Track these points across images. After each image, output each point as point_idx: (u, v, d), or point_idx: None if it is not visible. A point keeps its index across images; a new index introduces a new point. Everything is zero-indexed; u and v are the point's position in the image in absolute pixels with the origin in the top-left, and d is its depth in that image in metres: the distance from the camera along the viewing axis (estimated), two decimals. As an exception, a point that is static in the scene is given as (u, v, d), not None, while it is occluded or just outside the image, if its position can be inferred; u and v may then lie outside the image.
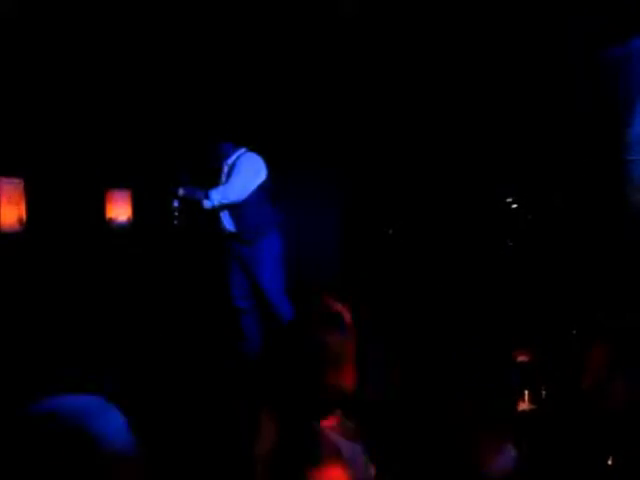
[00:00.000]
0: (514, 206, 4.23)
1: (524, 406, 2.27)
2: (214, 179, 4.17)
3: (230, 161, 4.07)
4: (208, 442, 2.72)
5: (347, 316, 1.89)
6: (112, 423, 0.94)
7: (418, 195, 5.04)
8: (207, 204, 3.93)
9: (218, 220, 4.10)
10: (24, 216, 4.20)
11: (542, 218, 4.52)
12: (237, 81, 4.97)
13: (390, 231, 5.15)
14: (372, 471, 1.70)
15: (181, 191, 4.04)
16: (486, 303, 4.28)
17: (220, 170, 4.14)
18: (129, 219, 5.16)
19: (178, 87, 4.99)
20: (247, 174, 3.99)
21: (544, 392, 2.31)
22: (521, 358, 2.94)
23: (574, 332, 3.51)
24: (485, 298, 4.39)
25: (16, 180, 4.17)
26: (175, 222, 4.00)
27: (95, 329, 4.31)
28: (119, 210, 5.12)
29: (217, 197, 3.91)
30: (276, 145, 4.47)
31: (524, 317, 3.90)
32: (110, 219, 5.06)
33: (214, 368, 3.95)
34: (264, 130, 4.52)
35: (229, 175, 4.04)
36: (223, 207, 3.99)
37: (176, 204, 4.03)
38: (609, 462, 1.70)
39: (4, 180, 4.08)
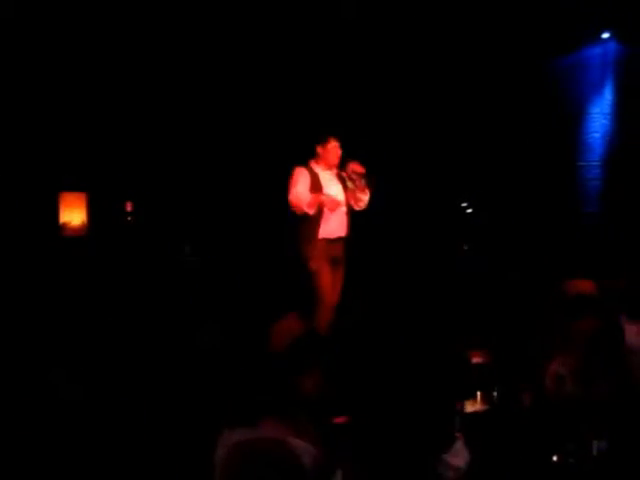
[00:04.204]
0: (469, 210, 4.30)
1: (476, 407, 2.30)
2: None
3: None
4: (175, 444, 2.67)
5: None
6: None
7: (378, 199, 5.07)
8: None
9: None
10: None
11: (496, 222, 4.60)
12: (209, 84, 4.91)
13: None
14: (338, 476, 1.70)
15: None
16: (442, 305, 4.32)
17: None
18: (84, 223, 5.06)
19: (139, 88, 4.91)
20: None
21: (496, 393, 2.34)
22: (476, 359, 2.97)
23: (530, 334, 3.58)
24: (441, 300, 4.44)
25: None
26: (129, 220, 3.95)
27: (47, 332, 4.20)
28: (73, 214, 5.01)
29: None
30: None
31: (480, 319, 3.96)
32: (64, 223, 4.95)
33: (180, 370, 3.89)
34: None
35: None
36: None
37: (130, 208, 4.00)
38: (554, 459, 1.73)
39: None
